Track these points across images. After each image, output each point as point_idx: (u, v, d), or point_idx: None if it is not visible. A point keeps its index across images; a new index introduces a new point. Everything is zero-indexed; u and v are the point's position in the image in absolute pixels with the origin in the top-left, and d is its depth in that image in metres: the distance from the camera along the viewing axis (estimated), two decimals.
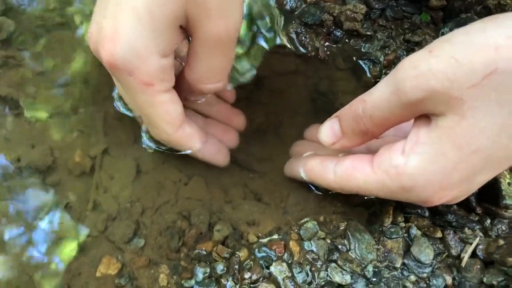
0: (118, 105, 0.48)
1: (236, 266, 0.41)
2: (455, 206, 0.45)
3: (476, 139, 0.31)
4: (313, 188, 0.47)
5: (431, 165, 0.33)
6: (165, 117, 0.40)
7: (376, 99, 0.35)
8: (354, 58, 0.55)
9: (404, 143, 0.35)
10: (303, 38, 0.55)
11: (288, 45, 0.55)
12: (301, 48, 0.55)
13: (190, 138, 0.43)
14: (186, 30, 0.37)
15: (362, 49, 0.55)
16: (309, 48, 0.55)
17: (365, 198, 0.47)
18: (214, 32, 0.36)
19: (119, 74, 0.36)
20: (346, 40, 0.55)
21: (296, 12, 0.55)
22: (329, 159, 0.42)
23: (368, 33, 0.55)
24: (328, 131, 0.40)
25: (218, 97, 0.51)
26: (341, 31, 0.55)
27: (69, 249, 0.42)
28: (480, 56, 0.29)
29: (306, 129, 0.51)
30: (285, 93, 0.54)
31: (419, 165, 0.34)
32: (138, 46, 0.34)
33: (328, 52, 0.55)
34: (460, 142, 0.32)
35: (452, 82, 0.30)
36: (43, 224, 0.43)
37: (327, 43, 0.55)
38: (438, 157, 0.33)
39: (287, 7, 0.56)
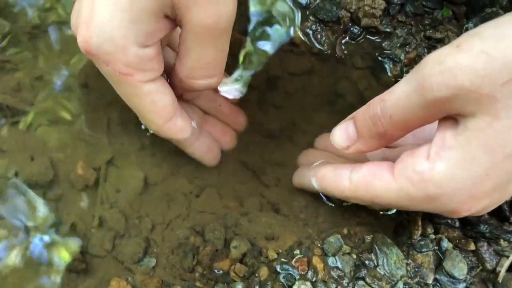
0: None
1: (257, 287, 0.38)
2: (486, 215, 0.42)
3: (511, 142, 0.28)
4: (325, 200, 0.44)
5: (460, 171, 0.30)
6: (152, 108, 0.38)
7: (397, 97, 0.31)
8: (373, 56, 0.52)
9: (428, 147, 0.32)
10: (319, 36, 0.51)
11: (304, 43, 0.51)
12: (317, 45, 0.51)
13: (181, 132, 0.41)
14: (174, 19, 0.34)
15: (381, 47, 0.52)
16: (325, 46, 0.51)
17: (381, 213, 0.44)
18: (203, 20, 0.33)
19: (96, 62, 0.35)
20: (364, 38, 0.52)
21: (311, 8, 0.52)
22: (343, 167, 0.38)
23: (387, 29, 0.51)
24: (342, 133, 0.37)
25: (220, 94, 0.48)
26: (358, 28, 0.52)
27: (74, 270, 0.38)
28: None
29: (316, 138, 0.48)
30: (300, 94, 0.51)
31: (447, 171, 0.30)
32: (115, 35, 0.32)
33: (345, 51, 0.51)
34: (493, 146, 0.28)
35: (482, 78, 0.27)
36: (44, 244, 0.39)
37: (344, 41, 0.52)
38: (468, 162, 0.30)
39: (302, 1, 0.52)
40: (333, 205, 0.44)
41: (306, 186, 0.43)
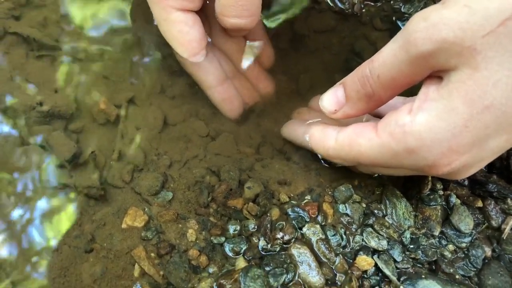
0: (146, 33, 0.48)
1: (268, 225, 0.39)
2: (495, 176, 0.43)
3: (489, 93, 0.28)
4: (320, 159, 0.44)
5: (439, 122, 0.30)
6: (178, 38, 0.39)
7: (385, 56, 0.32)
8: (393, 19, 0.52)
9: (411, 104, 0.32)
10: None
11: (326, 0, 0.52)
12: (339, 4, 0.52)
13: (203, 72, 0.43)
14: None
15: (402, 10, 0.52)
16: (347, 5, 0.52)
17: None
18: None
19: None
20: (386, 0, 0.52)
21: None
22: (332, 127, 0.39)
23: None
24: (330, 97, 0.37)
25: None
26: None
27: (93, 198, 0.39)
28: (496, 1, 0.26)
29: (311, 99, 0.48)
30: (320, 52, 0.51)
31: (427, 122, 0.30)
32: None
33: (366, 12, 0.52)
34: (472, 96, 0.28)
35: (465, 30, 0.27)
36: (65, 171, 0.40)
37: (365, 2, 0.52)
38: (448, 113, 0.29)
39: None
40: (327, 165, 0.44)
41: (294, 139, 0.43)
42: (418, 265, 0.39)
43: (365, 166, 0.40)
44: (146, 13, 0.44)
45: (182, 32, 0.39)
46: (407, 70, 0.31)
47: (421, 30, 0.29)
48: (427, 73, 0.31)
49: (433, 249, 0.40)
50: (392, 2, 0.52)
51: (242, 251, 0.38)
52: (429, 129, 0.30)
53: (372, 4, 0.53)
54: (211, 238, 0.38)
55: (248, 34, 0.44)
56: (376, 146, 0.34)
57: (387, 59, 0.31)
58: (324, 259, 0.38)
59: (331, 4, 0.52)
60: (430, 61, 0.29)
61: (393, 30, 0.52)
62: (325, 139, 0.38)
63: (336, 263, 0.38)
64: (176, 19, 0.38)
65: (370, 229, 0.40)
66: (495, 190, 0.42)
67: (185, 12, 0.38)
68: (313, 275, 0.37)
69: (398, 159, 0.33)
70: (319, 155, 0.43)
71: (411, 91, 0.34)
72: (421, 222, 0.41)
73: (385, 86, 0.33)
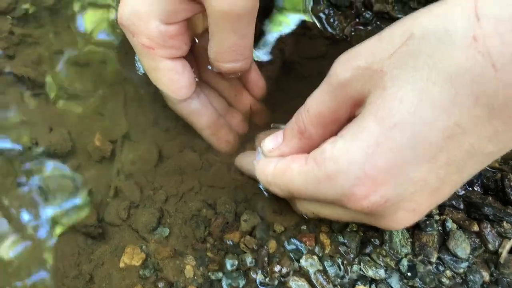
0: (139, 67, 0.48)
1: (266, 259, 0.39)
2: (490, 198, 0.43)
3: (396, 109, 0.28)
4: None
5: (353, 142, 0.30)
6: (168, 85, 0.40)
7: (315, 92, 0.34)
8: None
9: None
10: (331, 20, 0.52)
11: (316, 26, 0.52)
12: (329, 29, 0.52)
13: (195, 115, 0.43)
14: (201, 3, 0.36)
15: None
16: (337, 31, 0.52)
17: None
18: (220, 5, 0.34)
19: (126, 34, 0.39)
20: (376, 23, 0.53)
21: None
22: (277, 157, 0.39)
23: (399, 16, 0.52)
24: (272, 137, 0.38)
25: (247, 90, 0.48)
26: (370, 13, 0.52)
27: (91, 237, 0.40)
28: (399, 28, 0.29)
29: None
30: (312, 78, 0.52)
31: (343, 145, 0.31)
32: (141, 10, 0.36)
33: (357, 36, 0.52)
34: (381, 115, 0.29)
35: (374, 55, 0.29)
36: (61, 211, 0.40)
37: (356, 26, 0.53)
38: (360, 133, 0.30)
39: None
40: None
41: (244, 168, 0.44)
42: None
43: (297, 198, 0.39)
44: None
45: (173, 80, 0.40)
46: (330, 103, 0.32)
47: (341, 61, 0.31)
48: (348, 107, 0.32)
49: (430, 276, 0.40)
50: (382, 26, 0.53)
51: (240, 286, 0.38)
52: (344, 152, 0.31)
53: (363, 28, 0.53)
54: (209, 274, 0.38)
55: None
56: (303, 172, 0.34)
57: (316, 93, 0.33)
58: None
59: (321, 29, 0.53)
60: (349, 90, 0.31)
61: None
62: (267, 165, 0.38)
63: None
64: (165, 67, 0.39)
65: (367, 258, 0.40)
66: (491, 213, 0.42)
67: (173, 60, 0.39)
68: None
69: (320, 188, 0.33)
70: (262, 185, 0.42)
71: None
72: (418, 248, 0.41)
73: (314, 121, 0.34)
